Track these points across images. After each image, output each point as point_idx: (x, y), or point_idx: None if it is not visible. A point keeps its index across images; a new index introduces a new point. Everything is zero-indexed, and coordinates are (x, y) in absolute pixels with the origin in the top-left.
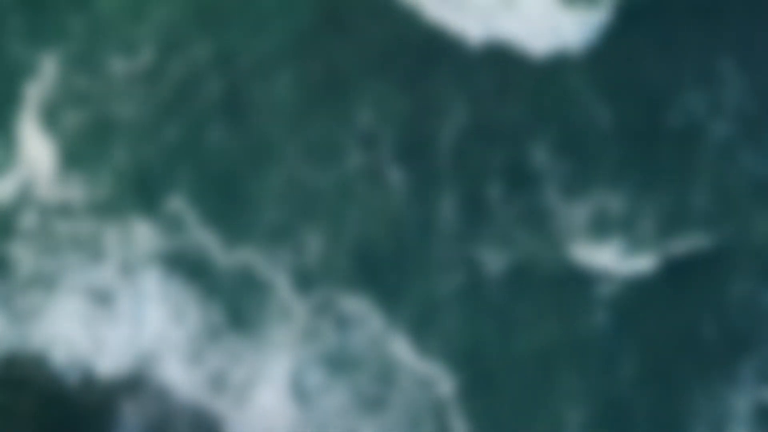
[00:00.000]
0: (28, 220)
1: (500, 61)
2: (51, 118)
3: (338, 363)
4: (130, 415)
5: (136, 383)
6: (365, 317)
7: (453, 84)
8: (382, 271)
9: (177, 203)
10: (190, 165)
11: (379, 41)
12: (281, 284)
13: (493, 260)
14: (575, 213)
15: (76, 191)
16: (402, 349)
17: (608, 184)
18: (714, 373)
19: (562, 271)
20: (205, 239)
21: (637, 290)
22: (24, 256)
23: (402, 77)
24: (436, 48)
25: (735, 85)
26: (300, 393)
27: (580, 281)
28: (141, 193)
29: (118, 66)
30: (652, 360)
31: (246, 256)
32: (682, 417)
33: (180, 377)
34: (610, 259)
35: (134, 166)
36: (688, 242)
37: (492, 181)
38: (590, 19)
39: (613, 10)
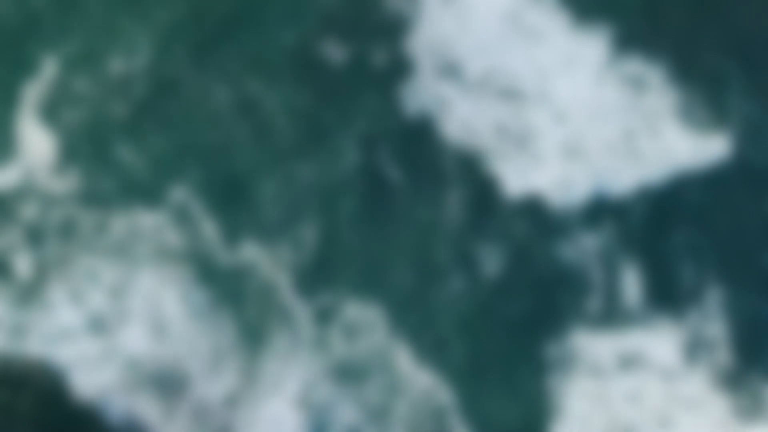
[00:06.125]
0: (28, 212)
1: None
2: (51, 111)
3: (345, 372)
4: (131, 416)
5: (137, 384)
6: (369, 324)
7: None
8: (384, 277)
9: (179, 199)
10: (192, 162)
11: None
12: (284, 291)
13: (495, 265)
14: (571, 206)
15: (77, 185)
16: (404, 358)
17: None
18: None
19: (559, 274)
20: (208, 237)
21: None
22: (24, 250)
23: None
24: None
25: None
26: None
27: (576, 283)
28: (143, 188)
29: (118, 65)
30: None
31: (249, 262)
32: None
33: (184, 381)
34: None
35: (135, 163)
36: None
37: (493, 183)
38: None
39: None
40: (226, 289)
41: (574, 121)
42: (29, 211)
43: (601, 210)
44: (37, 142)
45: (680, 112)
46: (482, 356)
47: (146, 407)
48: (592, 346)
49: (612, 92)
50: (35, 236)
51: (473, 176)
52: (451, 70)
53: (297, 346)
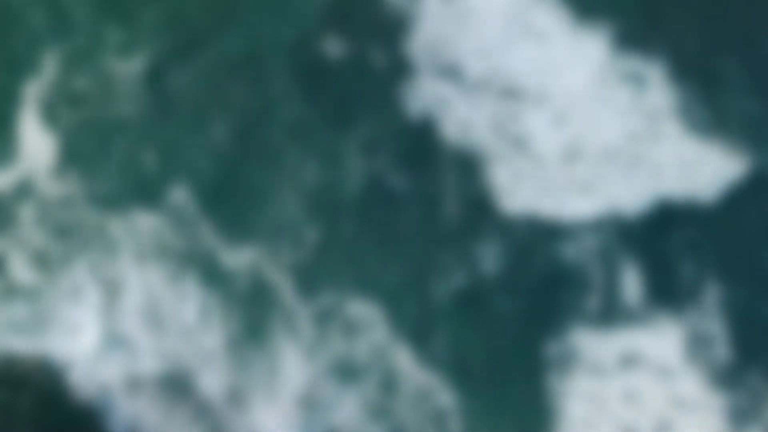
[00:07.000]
0: (28, 214)
1: None
2: (51, 111)
3: (345, 371)
4: (131, 415)
5: (137, 384)
6: (368, 323)
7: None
8: (384, 276)
9: (179, 199)
10: (192, 161)
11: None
12: (285, 291)
13: (494, 264)
14: (571, 207)
15: (76, 186)
16: (404, 357)
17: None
18: None
19: (559, 274)
20: (208, 237)
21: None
22: (24, 252)
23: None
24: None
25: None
26: (308, 403)
27: (576, 283)
28: (142, 190)
29: (117, 65)
30: None
31: (249, 262)
32: None
33: (184, 380)
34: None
35: (135, 163)
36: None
37: (493, 184)
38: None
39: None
40: (226, 289)
41: (575, 121)
42: (29, 212)
43: (601, 210)
44: (37, 143)
45: (681, 111)
46: (481, 355)
47: (146, 407)
48: (592, 345)
49: (613, 92)
50: (35, 236)
51: (473, 176)
52: (451, 71)
53: (297, 346)
